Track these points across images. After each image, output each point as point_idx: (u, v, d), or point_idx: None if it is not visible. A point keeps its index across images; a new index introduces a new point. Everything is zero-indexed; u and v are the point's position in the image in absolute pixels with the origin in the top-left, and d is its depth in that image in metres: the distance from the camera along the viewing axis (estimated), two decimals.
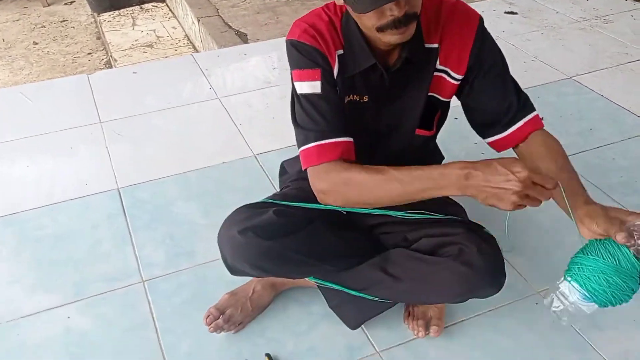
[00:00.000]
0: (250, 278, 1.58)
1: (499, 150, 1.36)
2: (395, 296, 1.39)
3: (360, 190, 1.18)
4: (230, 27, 3.36)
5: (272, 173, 2.09)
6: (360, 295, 1.42)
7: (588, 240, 1.10)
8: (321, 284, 1.46)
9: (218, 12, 3.56)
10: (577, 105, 2.44)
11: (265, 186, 2.04)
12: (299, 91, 1.22)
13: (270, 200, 1.38)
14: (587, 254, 1.08)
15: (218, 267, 1.70)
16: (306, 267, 1.37)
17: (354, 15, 1.18)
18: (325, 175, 1.19)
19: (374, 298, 1.41)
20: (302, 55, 1.21)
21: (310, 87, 1.20)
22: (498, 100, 1.31)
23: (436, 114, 1.39)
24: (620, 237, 1.03)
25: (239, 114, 2.45)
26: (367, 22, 1.14)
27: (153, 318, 1.57)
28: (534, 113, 1.32)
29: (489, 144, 1.37)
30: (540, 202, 1.04)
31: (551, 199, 1.08)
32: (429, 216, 1.35)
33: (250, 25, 3.37)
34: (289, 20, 3.38)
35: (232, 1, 3.70)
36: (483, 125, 1.36)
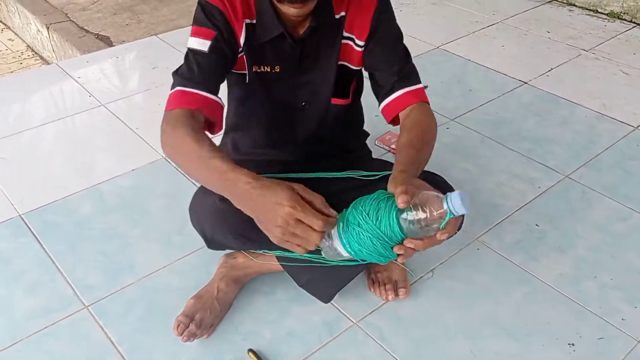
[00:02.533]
0: (210, 278, 1.53)
1: (387, 120, 1.37)
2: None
3: (180, 156, 1.14)
4: (87, 31, 3.13)
5: None
6: (336, 263, 1.42)
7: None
8: (291, 261, 1.45)
9: (69, 17, 3.28)
10: (452, 70, 2.67)
11: (187, 186, 1.95)
12: (188, 45, 1.23)
13: None
14: (361, 205, 0.99)
15: (165, 275, 1.63)
16: None
17: None
18: (170, 123, 1.15)
19: (349, 264, 1.43)
20: (204, 15, 1.21)
21: (199, 44, 1.21)
22: (385, 66, 1.33)
23: (351, 82, 1.43)
24: (400, 199, 0.94)
25: (132, 118, 2.31)
26: None
27: (112, 342, 1.45)
28: (418, 85, 1.33)
29: (381, 112, 1.38)
30: (313, 243, 0.95)
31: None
32: (382, 174, 1.31)
33: (110, 28, 3.16)
34: (150, 18, 3.24)
35: (80, 4, 3.43)
36: (375, 92, 1.39)
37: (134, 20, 3.24)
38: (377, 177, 1.33)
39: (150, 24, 3.18)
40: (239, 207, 1.03)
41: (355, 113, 1.61)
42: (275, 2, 1.20)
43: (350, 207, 1.01)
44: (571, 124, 2.29)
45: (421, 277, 1.63)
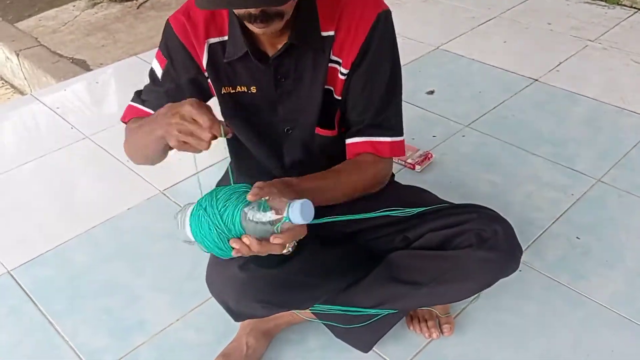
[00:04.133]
0: (237, 332, 1.36)
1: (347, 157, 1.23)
2: (418, 303, 1.28)
3: (129, 138, 1.20)
4: (61, 55, 2.92)
5: None
6: (374, 312, 1.28)
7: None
8: (328, 312, 1.29)
9: (39, 41, 3.07)
10: (457, 71, 2.52)
11: None
12: (152, 63, 1.21)
13: None
14: (217, 191, 0.98)
15: (180, 329, 1.46)
16: (314, 291, 1.22)
17: None
18: (125, 130, 1.22)
19: (390, 312, 1.28)
20: (164, 39, 1.17)
21: (156, 67, 1.19)
22: (359, 106, 1.17)
23: (335, 112, 1.23)
24: (250, 192, 0.94)
25: (121, 150, 2.08)
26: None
27: None
28: (385, 138, 1.19)
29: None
30: (205, 142, 0.97)
31: None
32: (418, 210, 1.24)
33: (84, 50, 2.96)
34: (127, 37, 3.04)
35: (49, 26, 3.22)
36: (341, 121, 1.23)
37: (110, 40, 3.04)
38: (411, 213, 1.19)
39: (127, 43, 2.99)
40: (161, 134, 1.01)
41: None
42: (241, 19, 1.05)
43: (209, 192, 1.00)
44: (592, 122, 2.16)
45: (463, 308, 1.48)
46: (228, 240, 0.94)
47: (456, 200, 1.36)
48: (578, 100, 2.29)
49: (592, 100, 2.28)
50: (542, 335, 1.41)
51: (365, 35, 1.10)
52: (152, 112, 1.17)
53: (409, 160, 1.97)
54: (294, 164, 1.28)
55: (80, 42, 3.04)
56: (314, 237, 1.25)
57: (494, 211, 1.25)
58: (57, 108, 2.39)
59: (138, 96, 1.23)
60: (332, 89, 1.17)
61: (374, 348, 1.36)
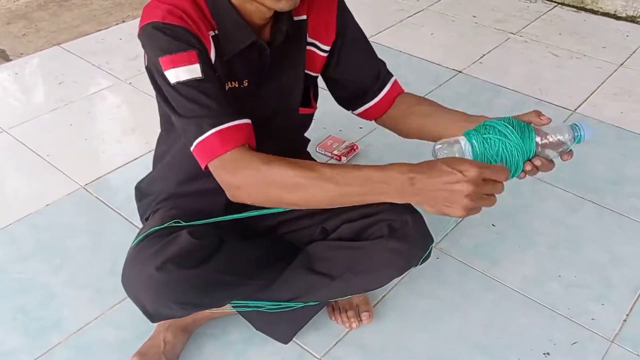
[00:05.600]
0: (155, 328, 1.35)
1: (370, 119, 1.33)
2: (332, 294, 1.30)
3: (287, 189, 0.99)
4: None
5: (114, 201, 1.80)
6: (292, 305, 1.29)
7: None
8: (245, 307, 1.30)
9: None
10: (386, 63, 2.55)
11: (111, 218, 1.75)
12: (174, 80, 1.00)
13: (174, 224, 1.17)
14: (503, 121, 1.03)
15: (98, 328, 1.43)
16: (235, 289, 1.22)
17: None
18: (235, 166, 1.00)
19: (308, 304, 1.30)
20: (172, 38, 1.00)
21: (188, 72, 1.00)
22: (368, 69, 1.28)
23: (310, 90, 1.31)
24: (543, 117, 1.04)
25: (41, 144, 2.05)
26: None
27: None
28: (394, 77, 1.33)
29: (360, 114, 1.33)
30: (495, 199, 0.93)
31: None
32: None
33: (4, 39, 2.83)
34: (50, 26, 2.93)
35: None
36: (354, 96, 1.30)
37: (32, 29, 2.91)
38: None
39: (51, 32, 2.87)
40: (404, 201, 0.95)
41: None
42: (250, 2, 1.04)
43: (478, 128, 1.03)
44: (513, 113, 2.15)
45: (383, 296, 1.52)
46: (523, 162, 1.01)
47: None
48: (500, 92, 2.37)
49: (512, 92, 2.36)
50: (455, 318, 1.47)
51: (336, 12, 1.21)
52: (237, 122, 1.02)
53: (335, 152, 1.99)
54: (273, 147, 1.26)
55: None
56: (234, 232, 1.26)
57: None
58: None
59: (200, 119, 1.00)
60: (308, 72, 1.24)
61: (294, 339, 1.38)
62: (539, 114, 1.05)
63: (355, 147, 2.02)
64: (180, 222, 1.18)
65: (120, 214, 1.76)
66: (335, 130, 2.12)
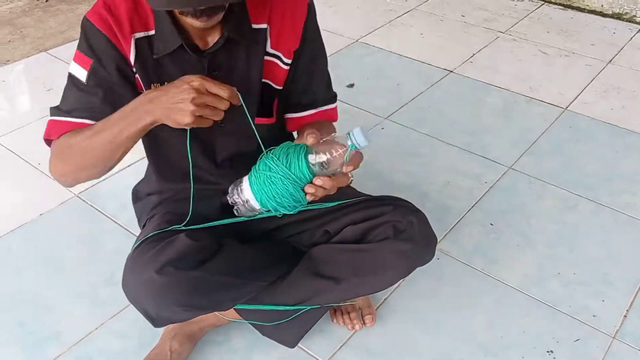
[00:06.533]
0: (160, 337, 1.34)
1: (289, 129, 1.31)
2: (338, 297, 1.30)
3: (78, 150, 1.11)
4: None
5: (109, 209, 1.78)
6: (299, 308, 1.29)
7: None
8: (253, 309, 1.29)
9: None
10: (376, 64, 2.56)
11: (107, 227, 1.72)
12: (69, 69, 1.14)
13: (174, 227, 1.17)
14: (271, 154, 1.05)
15: (100, 338, 1.41)
16: (238, 290, 1.21)
17: None
18: (53, 148, 1.16)
19: (314, 307, 1.30)
20: (85, 38, 1.11)
21: (78, 71, 1.12)
22: (308, 82, 1.25)
23: (273, 101, 1.27)
24: (310, 137, 1.02)
25: (31, 152, 2.02)
26: None
27: None
28: (333, 105, 1.31)
29: (285, 118, 1.31)
30: (221, 112, 1.02)
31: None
32: (333, 204, 1.27)
33: None
34: (36, 32, 2.89)
35: None
36: (288, 104, 1.28)
37: (17, 35, 2.87)
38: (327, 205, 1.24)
39: (36, 38, 2.83)
40: (152, 119, 1.02)
41: (281, 130, 1.40)
42: (177, 13, 1.05)
43: (259, 160, 1.06)
44: (504, 111, 2.25)
45: (385, 298, 1.52)
46: (301, 189, 1.02)
47: (375, 192, 1.39)
48: (490, 91, 2.38)
49: (503, 90, 2.38)
50: (458, 318, 1.47)
51: (302, 24, 1.18)
52: (85, 121, 1.11)
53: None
54: (226, 159, 1.26)
55: None
56: (233, 235, 1.25)
57: (410, 203, 1.29)
58: None
59: (58, 109, 1.14)
60: (269, 82, 1.21)
61: (299, 343, 1.38)
62: (309, 133, 1.03)
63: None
64: (178, 227, 1.18)
65: (115, 222, 1.74)
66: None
